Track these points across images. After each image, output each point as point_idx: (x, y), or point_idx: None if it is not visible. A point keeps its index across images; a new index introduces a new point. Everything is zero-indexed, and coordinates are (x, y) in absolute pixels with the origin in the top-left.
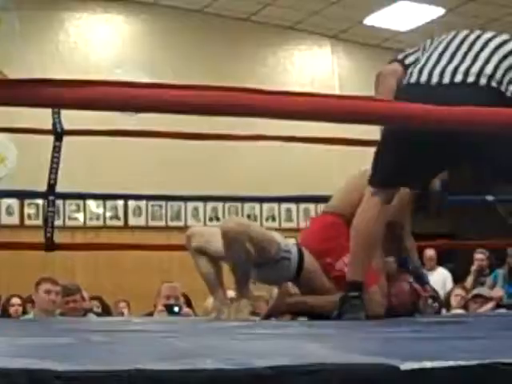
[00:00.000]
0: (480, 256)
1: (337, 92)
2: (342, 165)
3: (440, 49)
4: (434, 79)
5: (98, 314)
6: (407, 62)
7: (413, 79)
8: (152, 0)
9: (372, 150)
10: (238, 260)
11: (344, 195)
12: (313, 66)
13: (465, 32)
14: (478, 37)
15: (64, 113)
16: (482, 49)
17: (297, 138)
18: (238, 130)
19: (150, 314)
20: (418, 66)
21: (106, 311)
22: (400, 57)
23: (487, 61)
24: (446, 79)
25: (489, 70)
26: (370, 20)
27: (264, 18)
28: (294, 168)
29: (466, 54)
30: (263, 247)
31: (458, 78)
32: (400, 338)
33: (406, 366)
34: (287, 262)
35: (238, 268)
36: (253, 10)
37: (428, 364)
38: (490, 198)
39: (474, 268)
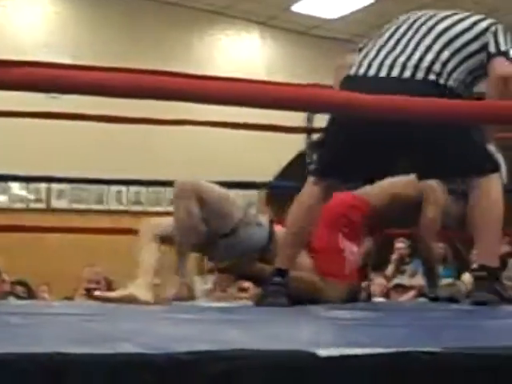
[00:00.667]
0: (400, 245)
1: (264, 78)
2: (266, 152)
3: (385, 36)
4: (372, 71)
5: (20, 298)
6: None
7: (352, 71)
8: None
9: (295, 137)
10: (184, 225)
11: (378, 188)
12: (240, 52)
13: (417, 15)
14: (425, 22)
15: None
16: (423, 37)
17: (220, 124)
18: (163, 113)
19: (71, 298)
20: (360, 57)
21: (31, 296)
22: (360, 45)
23: (426, 52)
24: (383, 73)
25: (427, 62)
26: (298, 7)
27: (192, 2)
28: (218, 153)
29: (406, 44)
30: (223, 210)
31: (395, 71)
32: (320, 324)
33: (324, 352)
34: (258, 229)
35: (182, 245)
36: None
37: (346, 351)
38: None
39: (394, 257)
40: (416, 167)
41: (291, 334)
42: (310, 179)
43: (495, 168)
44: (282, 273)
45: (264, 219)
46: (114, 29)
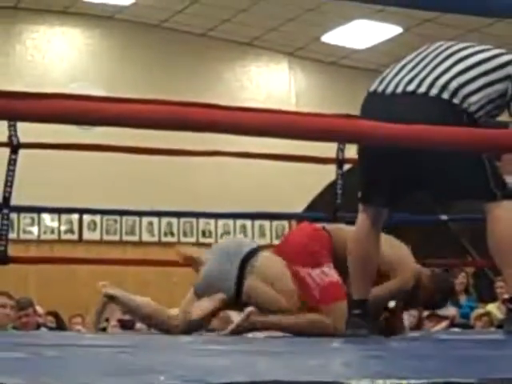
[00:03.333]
0: None
1: (293, 108)
2: (297, 182)
3: (407, 59)
4: (390, 89)
5: (52, 329)
6: None
7: (372, 88)
8: (109, 14)
9: (326, 167)
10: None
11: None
12: (270, 83)
13: (438, 43)
14: (448, 48)
15: (19, 125)
16: (444, 60)
17: (251, 155)
18: (194, 145)
19: (104, 330)
20: (382, 76)
21: (60, 327)
22: None
23: (444, 72)
24: (400, 89)
25: (443, 80)
26: (328, 37)
27: (222, 33)
28: (249, 184)
29: (427, 64)
30: None
31: (411, 87)
32: (353, 355)
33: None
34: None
35: None
36: (210, 26)
37: (380, 382)
38: (443, 217)
39: None
40: (431, 188)
41: (324, 366)
42: (359, 207)
43: (507, 195)
44: (360, 304)
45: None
46: (145, 60)
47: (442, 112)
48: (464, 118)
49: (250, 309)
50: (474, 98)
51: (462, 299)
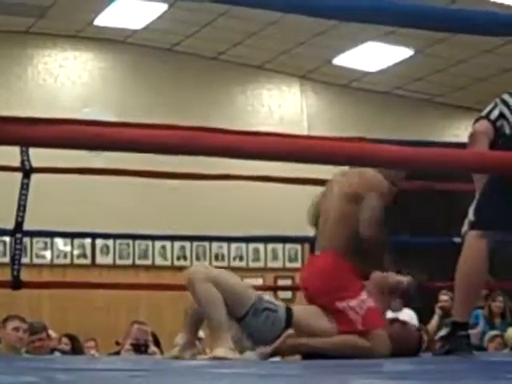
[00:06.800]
0: (444, 297)
1: (305, 131)
2: (308, 205)
3: None
4: None
5: (65, 353)
6: (492, 117)
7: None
8: (121, 38)
9: None
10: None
11: (334, 227)
12: (281, 106)
13: None
14: None
15: (32, 149)
16: None
17: (263, 178)
18: (205, 169)
19: (117, 353)
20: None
21: (76, 350)
22: (483, 114)
23: None
24: None
25: None
26: (339, 60)
27: (233, 57)
28: (261, 208)
29: None
30: (235, 297)
31: None
32: (368, 379)
33: None
34: (273, 314)
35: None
36: (221, 49)
37: None
38: (457, 240)
39: (438, 310)
40: None
41: None
42: (473, 233)
43: None
44: (464, 326)
45: (280, 304)
46: (156, 84)
47: None
48: None
49: (288, 331)
50: None
51: (497, 322)
